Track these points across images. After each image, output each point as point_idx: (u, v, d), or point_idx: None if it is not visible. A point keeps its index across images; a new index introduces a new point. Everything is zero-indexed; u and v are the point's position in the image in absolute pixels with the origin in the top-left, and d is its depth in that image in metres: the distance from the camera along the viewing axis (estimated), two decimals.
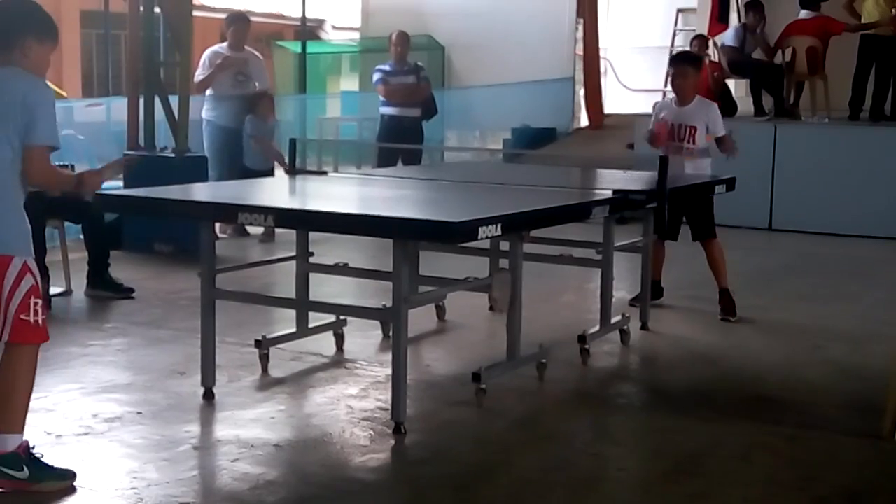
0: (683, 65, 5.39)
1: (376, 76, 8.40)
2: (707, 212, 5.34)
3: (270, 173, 7.40)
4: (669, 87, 11.12)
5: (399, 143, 7.85)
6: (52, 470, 3.00)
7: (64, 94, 7.91)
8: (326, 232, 4.14)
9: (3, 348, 2.99)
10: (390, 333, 3.98)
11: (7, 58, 2.97)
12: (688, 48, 10.14)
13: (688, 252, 5.61)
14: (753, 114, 9.51)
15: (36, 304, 2.94)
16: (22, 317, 2.91)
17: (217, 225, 6.57)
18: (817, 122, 9.07)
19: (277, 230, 6.33)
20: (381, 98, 8.42)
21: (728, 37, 9.59)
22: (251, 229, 7.36)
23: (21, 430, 2.96)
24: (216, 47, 7.72)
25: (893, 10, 8.56)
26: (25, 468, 2.93)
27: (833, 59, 9.33)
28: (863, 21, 8.75)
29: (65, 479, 2.99)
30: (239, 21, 7.84)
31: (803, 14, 9.16)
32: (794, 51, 9.22)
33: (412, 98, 8.34)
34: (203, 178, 6.69)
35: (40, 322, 2.95)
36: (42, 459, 3.00)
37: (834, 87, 9.24)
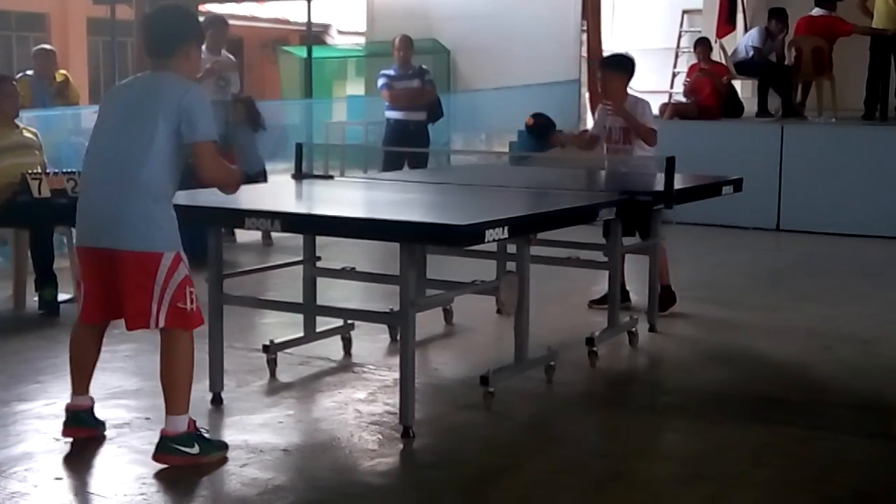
0: (604, 69, 5.49)
1: (381, 81, 8.41)
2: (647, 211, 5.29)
3: (263, 177, 7.41)
4: (675, 89, 11.11)
5: (405, 147, 7.85)
6: (213, 442, 3.28)
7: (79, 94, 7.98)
8: (333, 236, 4.14)
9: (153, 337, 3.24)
10: (398, 337, 3.97)
11: (167, 62, 3.21)
12: (692, 50, 10.15)
13: (693, 254, 5.60)
14: (756, 114, 9.50)
15: (191, 292, 3.18)
16: (179, 304, 3.15)
17: None
18: (824, 122, 9.03)
19: (276, 235, 6.32)
20: (387, 102, 8.43)
21: (753, 37, 9.54)
22: (241, 236, 7.33)
23: (187, 410, 3.22)
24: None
25: None
26: (196, 444, 3.20)
27: (841, 59, 9.31)
28: (873, 21, 8.71)
29: (223, 450, 3.28)
30: (217, 24, 7.78)
31: (815, 11, 9.12)
32: (800, 50, 9.20)
33: (417, 102, 8.34)
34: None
35: (195, 309, 3.20)
36: (203, 433, 3.27)
37: (842, 86, 9.21)
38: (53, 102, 7.36)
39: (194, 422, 3.26)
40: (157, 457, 3.19)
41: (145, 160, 3.12)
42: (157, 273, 3.12)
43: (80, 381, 3.39)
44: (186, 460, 3.18)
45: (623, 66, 5.47)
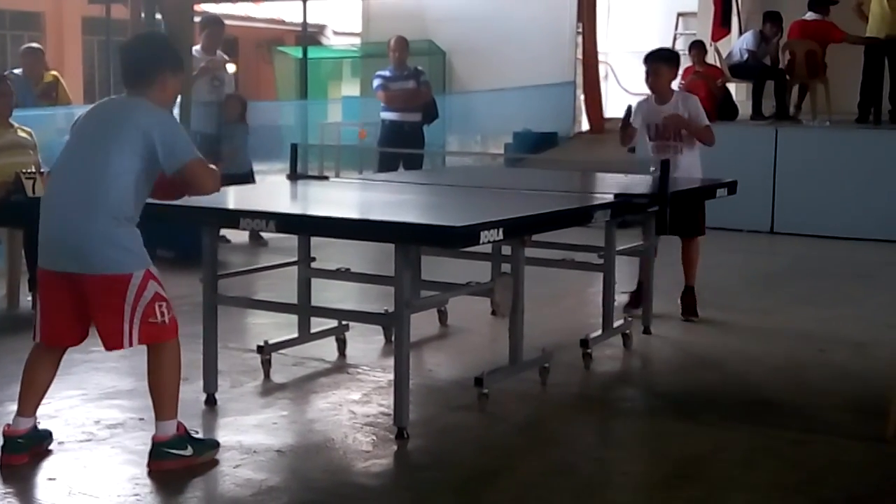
0: (656, 62, 5.33)
1: (376, 82, 8.41)
2: (699, 209, 5.31)
3: (250, 178, 7.39)
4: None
5: (400, 148, 7.85)
6: (204, 442, 3.32)
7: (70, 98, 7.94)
8: (328, 237, 4.14)
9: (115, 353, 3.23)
10: (392, 338, 3.97)
11: (142, 90, 3.20)
12: (687, 53, 10.17)
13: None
14: (751, 117, 9.52)
15: (160, 306, 3.18)
16: (150, 320, 3.16)
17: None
18: (819, 125, 9.06)
19: (271, 235, 6.32)
20: (382, 103, 8.43)
21: (748, 41, 9.57)
22: (235, 237, 7.32)
23: (176, 415, 3.24)
24: (192, 51, 7.65)
25: None
26: (189, 446, 3.23)
27: (835, 63, 9.34)
28: (868, 24, 8.73)
29: (216, 448, 3.31)
30: (214, 24, 7.78)
31: (808, 15, 9.15)
32: (793, 54, 9.23)
33: (413, 103, 8.34)
34: None
35: (167, 321, 3.19)
36: (193, 434, 3.29)
37: (836, 90, 9.24)
38: (37, 103, 7.33)
39: (183, 425, 3.26)
40: (152, 464, 3.18)
41: (110, 184, 3.09)
42: (125, 293, 3.11)
43: (29, 401, 3.28)
44: (182, 463, 3.19)
45: (673, 59, 5.43)
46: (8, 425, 3.28)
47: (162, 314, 3.17)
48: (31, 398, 3.29)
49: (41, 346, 3.31)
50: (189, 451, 3.21)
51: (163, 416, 3.21)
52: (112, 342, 3.17)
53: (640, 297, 5.27)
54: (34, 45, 8.30)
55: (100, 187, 3.10)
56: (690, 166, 5.25)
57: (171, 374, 3.23)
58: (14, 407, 3.66)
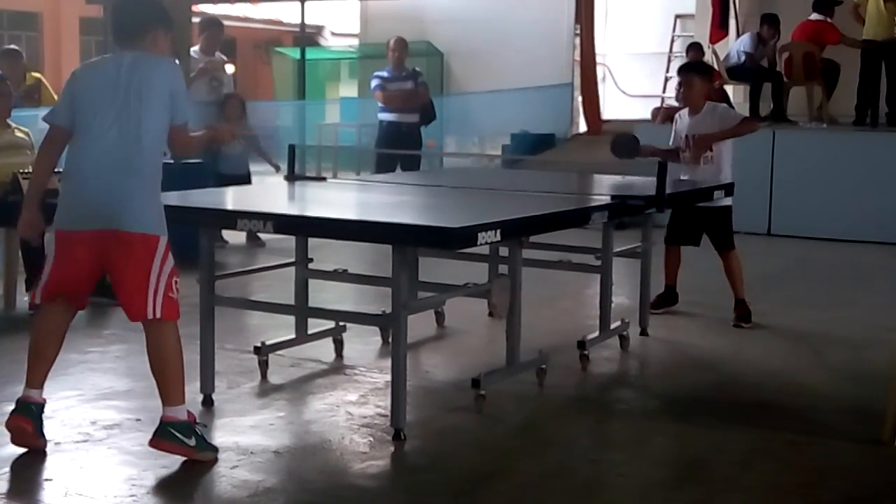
0: (688, 74, 5.40)
1: (374, 82, 8.41)
2: (724, 223, 5.35)
3: (247, 179, 7.42)
4: (667, 94, 11.15)
5: (398, 149, 7.85)
6: (207, 442, 3.29)
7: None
8: (326, 238, 4.14)
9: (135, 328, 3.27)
10: (390, 339, 3.97)
11: (136, 45, 3.28)
12: (684, 54, 10.19)
13: (687, 258, 5.61)
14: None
15: (176, 282, 3.22)
16: (169, 294, 3.18)
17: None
18: (815, 127, 9.08)
19: (269, 236, 6.32)
20: (380, 104, 8.43)
21: (745, 43, 9.59)
22: (232, 238, 7.31)
23: (184, 401, 3.23)
24: (191, 52, 7.64)
25: None
26: (194, 437, 3.20)
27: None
28: (864, 27, 8.74)
29: (215, 452, 3.27)
30: (213, 26, 7.80)
31: (812, 16, 9.18)
32: (790, 56, 9.25)
33: (410, 104, 8.34)
34: (201, 184, 6.69)
35: (177, 299, 3.23)
36: (200, 429, 3.29)
37: (833, 92, 9.25)
38: (18, 104, 7.34)
39: (194, 416, 3.29)
40: (153, 441, 3.18)
41: (145, 146, 3.19)
42: (153, 257, 3.15)
43: (39, 370, 3.28)
44: (182, 450, 3.18)
45: (706, 71, 5.49)
46: (22, 395, 3.31)
47: (176, 291, 3.22)
48: (40, 368, 3.31)
49: (44, 314, 3.31)
50: (192, 442, 3.20)
51: (172, 401, 3.20)
52: (136, 309, 3.17)
53: (666, 299, 5.45)
54: (12, 46, 8.35)
55: (136, 150, 3.17)
56: (716, 175, 5.25)
57: (177, 357, 3.23)
58: (13, 407, 3.65)
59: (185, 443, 3.18)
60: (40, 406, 3.31)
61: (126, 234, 3.14)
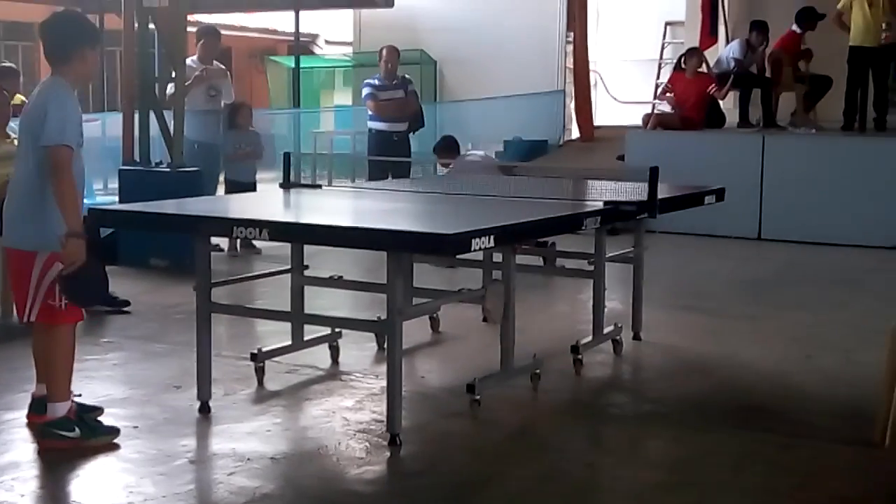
0: None
1: (366, 91, 8.43)
2: None
3: (253, 187, 7.46)
4: (658, 100, 11.18)
5: (388, 157, 7.88)
6: (101, 428, 3.45)
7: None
8: (321, 245, 4.17)
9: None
10: (385, 345, 4.00)
11: (63, 66, 3.39)
12: (676, 60, 10.21)
13: (676, 263, 5.65)
14: (737, 125, 9.60)
15: (59, 290, 3.32)
16: (49, 301, 3.35)
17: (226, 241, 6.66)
18: (804, 133, 9.15)
19: (265, 244, 6.34)
20: (370, 112, 8.45)
21: (734, 49, 9.66)
22: (224, 245, 7.35)
23: (67, 398, 3.41)
24: (188, 61, 7.67)
25: (884, 25, 8.64)
26: (77, 428, 3.37)
27: (821, 71, 9.44)
28: (851, 34, 8.82)
29: (111, 434, 3.43)
30: (210, 35, 7.81)
31: (794, 27, 9.30)
32: (779, 62, 9.34)
33: (402, 113, 8.38)
34: (198, 192, 6.72)
35: (64, 306, 3.36)
36: (90, 421, 3.45)
37: (822, 98, 9.33)
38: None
39: (75, 408, 3.44)
40: (39, 443, 3.37)
41: (28, 161, 3.37)
42: (31, 270, 3.34)
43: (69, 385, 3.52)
44: (67, 444, 3.34)
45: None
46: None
47: (61, 298, 3.35)
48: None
49: (72, 330, 3.53)
50: (76, 433, 3.36)
51: (52, 398, 3.40)
52: (19, 312, 3.45)
53: None
54: (10, 65, 8.41)
55: (23, 165, 3.39)
56: None
57: (60, 357, 3.41)
58: (10, 416, 3.67)
59: (66, 437, 3.35)
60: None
61: (10, 250, 3.45)
